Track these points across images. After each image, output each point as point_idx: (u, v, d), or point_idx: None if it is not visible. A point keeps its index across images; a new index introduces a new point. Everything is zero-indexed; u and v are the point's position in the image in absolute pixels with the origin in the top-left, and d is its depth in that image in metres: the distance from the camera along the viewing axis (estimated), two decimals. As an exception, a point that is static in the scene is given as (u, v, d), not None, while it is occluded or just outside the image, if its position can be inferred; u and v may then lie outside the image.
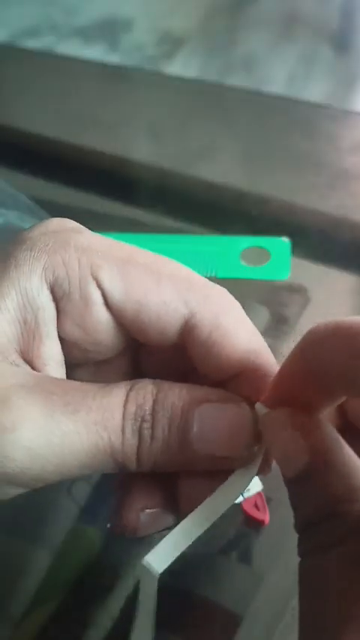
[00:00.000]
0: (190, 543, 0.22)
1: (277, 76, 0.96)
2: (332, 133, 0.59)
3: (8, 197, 0.46)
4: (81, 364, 0.25)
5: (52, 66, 0.73)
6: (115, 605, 0.32)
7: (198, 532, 0.22)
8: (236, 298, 0.24)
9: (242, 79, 0.95)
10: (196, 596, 0.32)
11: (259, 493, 0.34)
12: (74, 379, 0.25)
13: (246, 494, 0.34)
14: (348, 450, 0.20)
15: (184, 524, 0.22)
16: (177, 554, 0.22)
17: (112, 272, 0.22)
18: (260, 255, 0.47)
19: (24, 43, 0.95)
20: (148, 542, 0.33)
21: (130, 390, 0.21)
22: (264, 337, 0.25)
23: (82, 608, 0.32)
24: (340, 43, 1.01)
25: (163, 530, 0.24)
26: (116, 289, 0.22)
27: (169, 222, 0.50)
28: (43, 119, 0.63)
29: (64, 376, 0.24)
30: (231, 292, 0.25)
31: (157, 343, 0.24)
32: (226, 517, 0.34)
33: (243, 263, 0.46)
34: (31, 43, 0.96)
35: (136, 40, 1.01)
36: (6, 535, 0.35)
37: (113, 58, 0.97)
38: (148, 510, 0.24)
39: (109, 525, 0.34)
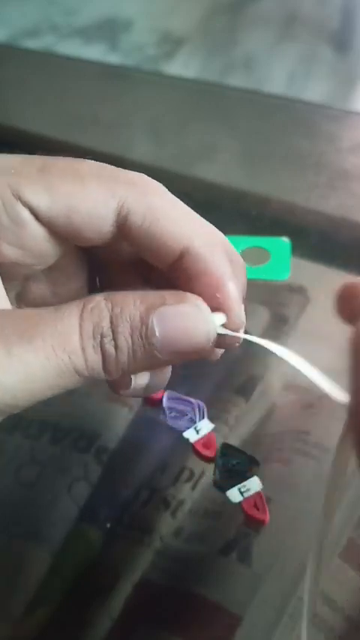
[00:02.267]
0: None
1: (277, 76, 0.96)
2: (332, 133, 0.59)
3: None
4: (28, 277, 0.25)
5: (52, 66, 0.73)
6: (115, 605, 0.32)
7: None
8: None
9: (242, 79, 0.95)
10: (196, 596, 0.32)
11: (259, 493, 0.34)
12: (29, 293, 0.26)
13: (246, 494, 0.34)
14: None
15: None
16: None
17: (33, 186, 0.23)
18: (260, 255, 0.47)
19: (24, 43, 0.95)
20: (148, 542, 0.33)
21: (83, 309, 0.22)
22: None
23: (82, 608, 0.32)
24: (340, 43, 1.01)
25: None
26: (42, 201, 0.23)
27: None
28: (43, 119, 0.63)
29: (7, 301, 0.24)
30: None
31: (95, 242, 0.24)
32: (226, 517, 0.34)
33: (243, 263, 0.47)
34: (31, 43, 0.96)
35: (136, 40, 1.01)
36: (6, 535, 0.35)
37: (113, 58, 0.97)
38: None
39: (108, 525, 0.34)
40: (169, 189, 0.25)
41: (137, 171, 0.25)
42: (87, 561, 0.34)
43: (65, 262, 0.26)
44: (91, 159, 0.25)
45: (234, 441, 0.37)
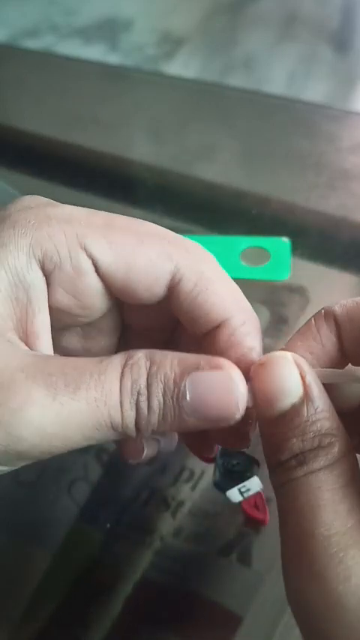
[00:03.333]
0: None
1: (277, 76, 0.96)
2: (332, 133, 0.59)
3: (8, 197, 0.46)
4: (68, 327, 0.26)
5: (52, 66, 0.73)
6: (115, 605, 0.32)
7: None
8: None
9: (242, 79, 0.95)
10: (196, 596, 0.32)
11: (259, 493, 0.34)
12: (62, 343, 0.27)
13: (246, 495, 0.34)
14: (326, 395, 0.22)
15: None
16: None
17: (98, 239, 0.23)
18: (260, 255, 0.47)
19: (24, 43, 0.95)
20: (148, 542, 0.33)
21: (125, 365, 0.22)
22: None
23: (82, 608, 0.32)
24: (340, 43, 1.01)
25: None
26: (105, 255, 0.24)
27: (169, 222, 0.50)
28: (43, 119, 0.63)
29: (52, 346, 0.25)
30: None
31: (146, 300, 0.25)
32: (227, 517, 0.34)
33: (243, 263, 0.46)
34: (31, 43, 0.96)
35: (136, 40, 1.01)
36: (6, 535, 0.35)
37: (113, 58, 0.97)
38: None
39: (108, 525, 0.34)
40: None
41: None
42: (87, 561, 0.34)
43: (103, 321, 0.27)
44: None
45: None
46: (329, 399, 0.22)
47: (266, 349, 0.25)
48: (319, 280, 0.46)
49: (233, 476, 0.34)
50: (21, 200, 0.25)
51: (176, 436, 0.28)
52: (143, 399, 0.22)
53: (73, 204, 0.25)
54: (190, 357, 0.23)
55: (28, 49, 0.91)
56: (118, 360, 0.22)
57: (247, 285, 0.27)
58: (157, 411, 0.22)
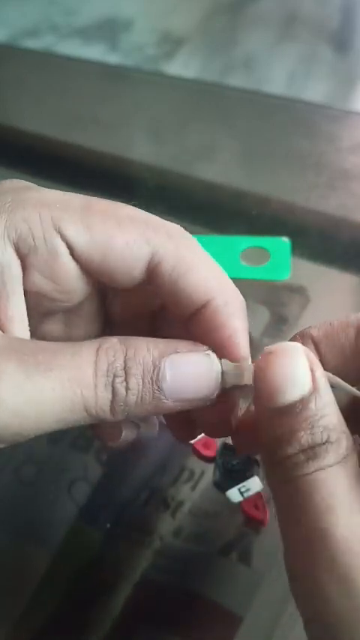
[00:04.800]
0: None
1: (277, 76, 0.96)
2: (332, 133, 0.59)
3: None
4: (49, 313, 0.26)
5: (52, 66, 0.73)
6: (115, 605, 0.32)
7: None
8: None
9: (242, 79, 0.95)
10: (196, 596, 0.32)
11: (259, 493, 0.34)
12: (44, 329, 0.27)
13: (246, 494, 0.34)
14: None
15: None
16: None
17: (74, 222, 0.23)
18: (260, 255, 0.47)
19: (24, 43, 0.95)
20: (148, 542, 0.33)
21: (99, 348, 0.22)
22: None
23: (82, 608, 0.32)
24: (340, 43, 1.01)
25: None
26: (80, 238, 0.23)
27: (168, 222, 0.50)
28: (43, 119, 0.63)
29: (28, 331, 0.25)
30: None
31: (124, 284, 0.25)
32: (226, 517, 0.34)
33: (243, 263, 0.46)
34: (31, 43, 0.96)
35: (136, 40, 1.01)
36: (6, 535, 0.35)
37: (113, 58, 0.97)
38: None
39: (108, 525, 0.34)
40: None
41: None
42: (87, 561, 0.34)
43: (84, 307, 0.27)
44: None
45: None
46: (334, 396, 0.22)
47: (266, 349, 0.25)
48: (319, 280, 0.46)
49: (233, 476, 0.34)
50: (1, 183, 0.25)
51: (156, 421, 0.28)
52: (120, 380, 0.22)
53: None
54: (166, 342, 0.23)
55: (28, 49, 0.91)
56: (92, 343, 0.23)
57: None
58: (136, 392, 0.22)
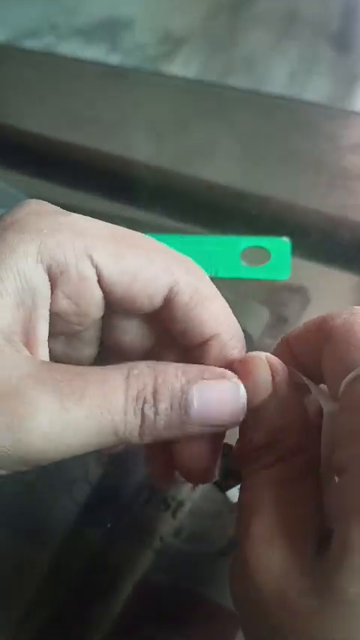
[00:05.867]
0: None
1: (278, 75, 0.96)
2: (332, 133, 0.59)
3: (8, 197, 0.46)
4: (57, 334, 0.27)
5: (52, 66, 0.73)
6: (115, 605, 0.32)
7: None
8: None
9: (242, 79, 0.95)
10: (196, 596, 0.32)
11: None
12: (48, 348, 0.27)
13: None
14: (291, 390, 0.24)
15: None
16: None
17: (104, 248, 0.24)
18: (260, 255, 0.47)
19: (24, 43, 0.95)
20: (148, 542, 0.33)
21: (129, 375, 0.23)
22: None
23: (82, 608, 0.32)
24: (340, 43, 1.01)
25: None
26: (110, 266, 0.24)
27: (169, 222, 0.50)
28: (43, 119, 0.63)
29: (48, 352, 0.25)
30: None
31: (143, 311, 0.26)
32: (226, 517, 0.34)
33: (243, 263, 0.46)
34: (31, 43, 0.96)
35: (137, 40, 1.01)
36: (6, 535, 0.35)
37: (114, 58, 0.97)
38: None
39: (108, 525, 0.34)
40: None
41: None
42: (87, 561, 0.34)
43: (87, 331, 0.28)
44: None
45: (234, 440, 0.36)
46: (299, 403, 0.25)
47: (267, 349, 0.26)
48: (319, 280, 0.46)
49: (233, 476, 0.34)
50: (28, 204, 0.25)
51: None
52: (149, 406, 0.23)
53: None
54: (193, 367, 0.24)
55: (29, 49, 0.91)
56: (121, 369, 0.23)
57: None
58: (164, 417, 0.23)
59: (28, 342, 0.24)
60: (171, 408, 0.23)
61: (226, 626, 0.31)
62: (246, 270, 0.46)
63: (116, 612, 0.32)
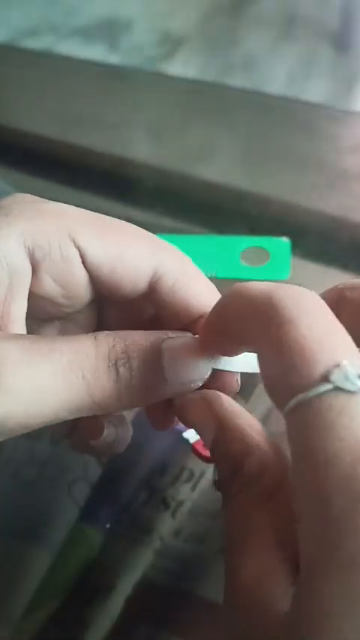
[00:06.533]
0: None
1: (277, 76, 0.96)
2: (332, 133, 0.59)
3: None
4: (49, 319, 0.28)
5: (52, 66, 0.73)
6: (115, 605, 0.32)
7: None
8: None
9: (242, 79, 0.95)
10: (196, 596, 0.32)
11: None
12: (41, 333, 0.28)
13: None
14: (242, 417, 0.23)
15: None
16: None
17: (87, 232, 0.25)
18: (260, 255, 0.47)
19: (24, 43, 0.95)
20: (148, 542, 0.33)
21: (97, 337, 0.23)
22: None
23: (82, 608, 0.32)
24: (340, 43, 1.01)
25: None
26: (92, 248, 0.25)
27: (169, 222, 0.50)
28: (43, 119, 0.63)
29: (25, 332, 0.25)
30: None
31: (128, 294, 0.26)
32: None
33: (243, 263, 0.46)
34: (31, 43, 0.96)
35: (136, 41, 1.01)
36: (6, 535, 0.35)
37: (113, 58, 0.97)
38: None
39: (108, 525, 0.34)
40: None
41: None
42: (87, 561, 0.34)
43: (81, 316, 0.28)
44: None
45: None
46: (251, 425, 0.23)
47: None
48: (319, 280, 0.46)
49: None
50: (14, 195, 0.26)
51: (130, 432, 0.28)
52: (122, 362, 0.23)
53: (73, 204, 0.26)
54: (156, 331, 0.24)
55: (28, 49, 0.91)
56: (87, 335, 0.23)
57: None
58: (138, 375, 0.23)
59: (2, 318, 0.24)
60: (143, 363, 0.23)
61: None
62: (246, 271, 0.46)
63: (116, 612, 0.32)
